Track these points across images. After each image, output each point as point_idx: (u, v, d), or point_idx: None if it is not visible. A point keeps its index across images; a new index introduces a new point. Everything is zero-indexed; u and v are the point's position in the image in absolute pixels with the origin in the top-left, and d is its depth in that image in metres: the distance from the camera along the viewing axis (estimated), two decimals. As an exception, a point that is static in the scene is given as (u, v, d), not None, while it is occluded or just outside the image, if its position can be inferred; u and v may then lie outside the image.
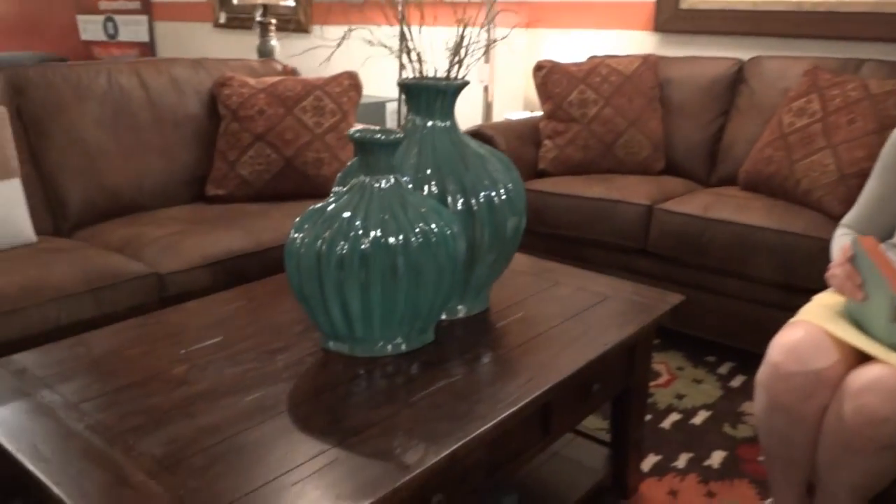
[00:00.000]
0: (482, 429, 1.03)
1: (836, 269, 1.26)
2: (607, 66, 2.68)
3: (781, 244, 2.03)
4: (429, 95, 1.32)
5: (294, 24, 4.32)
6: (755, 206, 2.19)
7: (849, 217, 1.59)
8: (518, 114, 3.26)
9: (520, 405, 1.10)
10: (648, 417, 1.90)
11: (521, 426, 1.21)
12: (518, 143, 2.67)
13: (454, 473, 1.07)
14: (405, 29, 1.38)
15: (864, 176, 1.99)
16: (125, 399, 1.10)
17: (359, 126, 1.85)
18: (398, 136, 1.19)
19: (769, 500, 1.43)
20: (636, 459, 1.62)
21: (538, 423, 1.25)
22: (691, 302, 2.22)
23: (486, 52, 3.31)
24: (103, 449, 0.97)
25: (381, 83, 3.72)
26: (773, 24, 2.74)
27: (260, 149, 2.19)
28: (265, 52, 3.28)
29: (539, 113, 2.83)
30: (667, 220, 2.23)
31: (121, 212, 2.09)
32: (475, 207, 1.35)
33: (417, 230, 1.19)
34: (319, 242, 1.19)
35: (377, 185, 1.20)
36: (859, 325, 1.23)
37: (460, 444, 0.99)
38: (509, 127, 2.78)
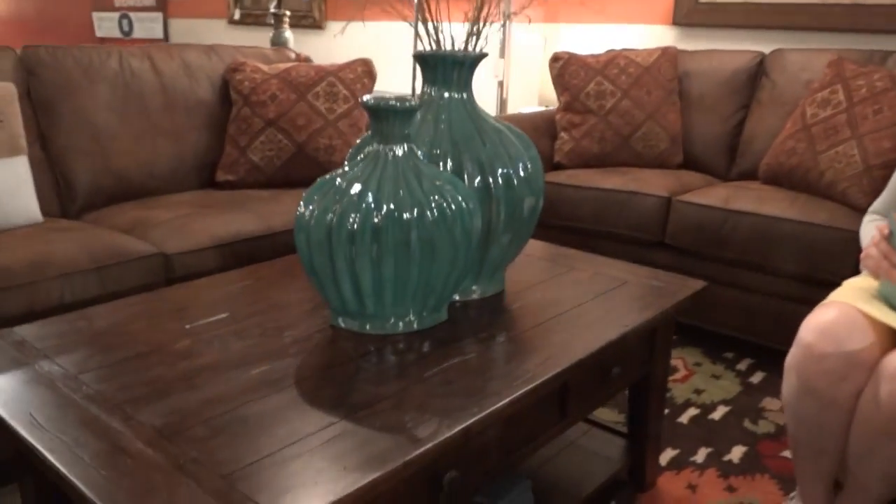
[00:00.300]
0: (498, 405, 0.98)
1: (871, 248, 1.21)
2: (625, 57, 2.64)
3: (804, 236, 1.97)
4: (445, 66, 1.28)
5: (309, 20, 4.31)
6: (777, 197, 2.13)
7: (877, 203, 1.53)
8: (533, 109, 3.21)
9: (537, 383, 1.05)
10: (666, 412, 1.84)
11: (538, 407, 1.16)
12: (533, 136, 2.62)
13: (468, 451, 1.02)
14: None
15: (890, 167, 1.94)
16: (126, 371, 1.06)
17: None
18: (414, 103, 1.15)
19: (793, 494, 1.37)
20: (654, 452, 1.56)
21: (555, 405, 1.20)
22: (710, 296, 2.16)
23: (502, 48, 3.27)
24: (101, 418, 0.92)
25: (393, 79, 3.69)
26: (796, 17, 2.69)
27: (271, 134, 2.16)
28: (279, 44, 3.25)
29: (554, 108, 2.79)
30: (686, 212, 2.18)
31: (129, 196, 2.06)
32: (492, 185, 1.30)
33: (433, 204, 1.15)
34: (330, 216, 1.15)
35: (391, 153, 1.16)
36: (895, 307, 1.18)
37: (475, 419, 0.94)
38: (524, 119, 2.74)
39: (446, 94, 1.29)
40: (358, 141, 1.30)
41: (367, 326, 1.20)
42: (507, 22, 3.24)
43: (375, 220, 1.13)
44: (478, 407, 0.97)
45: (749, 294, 2.12)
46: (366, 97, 1.16)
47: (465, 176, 1.29)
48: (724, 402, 1.93)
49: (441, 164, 1.28)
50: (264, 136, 2.16)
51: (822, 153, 2.15)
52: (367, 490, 0.80)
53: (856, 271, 1.44)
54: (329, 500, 0.77)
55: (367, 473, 0.82)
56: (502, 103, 3.36)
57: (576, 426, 1.62)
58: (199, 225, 1.76)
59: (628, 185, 2.33)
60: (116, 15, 5.39)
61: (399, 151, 1.17)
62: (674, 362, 2.15)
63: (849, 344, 1.10)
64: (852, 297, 1.19)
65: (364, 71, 2.30)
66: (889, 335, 1.13)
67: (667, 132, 2.58)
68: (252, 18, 4.69)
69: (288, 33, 3.20)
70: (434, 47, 1.36)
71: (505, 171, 1.31)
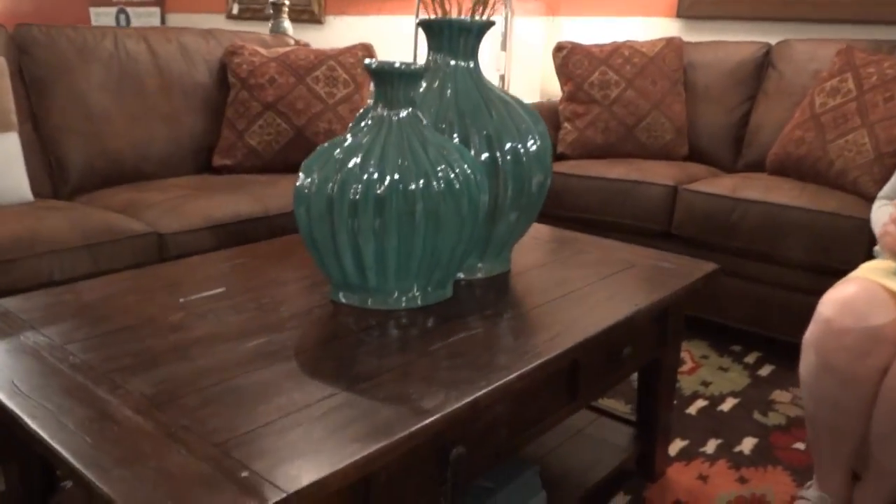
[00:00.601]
0: (507, 378, 0.93)
1: (890, 226, 1.16)
2: (630, 47, 2.60)
3: (814, 224, 1.93)
4: (451, 33, 1.23)
5: (307, 14, 4.26)
6: (785, 187, 2.09)
7: (886, 188, 1.50)
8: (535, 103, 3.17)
9: (547, 357, 0.99)
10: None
11: (547, 387, 1.11)
12: (536, 125, 2.57)
13: (476, 427, 0.97)
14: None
15: (902, 154, 1.90)
16: (115, 342, 1.00)
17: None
18: (420, 66, 1.10)
19: (810, 483, 1.32)
20: (664, 441, 1.51)
21: (564, 385, 1.15)
22: (716, 287, 2.12)
23: (504, 41, 3.23)
24: (87, 386, 0.87)
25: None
26: (802, 8, 2.65)
27: (270, 118, 2.11)
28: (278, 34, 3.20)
29: (557, 100, 2.75)
30: (693, 201, 2.14)
31: (123, 179, 2.01)
32: (499, 160, 1.26)
33: (440, 174, 1.10)
34: (331, 185, 1.10)
35: (395, 119, 1.11)
36: (916, 285, 1.13)
37: (483, 392, 0.89)
38: (527, 109, 2.69)
39: (452, 62, 1.25)
40: (356, 117, 1.25)
41: (369, 301, 1.15)
42: (509, 15, 3.20)
43: (378, 190, 1.08)
44: (486, 380, 0.92)
45: (757, 285, 2.07)
46: (369, 60, 1.11)
47: (472, 150, 1.24)
48: (733, 395, 1.88)
49: (447, 136, 1.23)
50: (262, 119, 2.11)
51: (832, 142, 2.10)
52: (370, 460, 0.75)
53: (868, 259, 1.40)
54: (331, 469, 0.72)
55: (371, 443, 0.77)
56: (504, 97, 3.32)
57: (583, 415, 1.57)
58: (194, 206, 1.71)
59: (633, 175, 2.28)
60: (114, 10, 5.34)
61: (404, 117, 1.12)
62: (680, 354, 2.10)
63: (871, 319, 1.05)
64: (873, 274, 1.14)
65: (365, 56, 2.26)
66: (913, 311, 1.08)
67: (672, 123, 2.54)
68: (250, 13, 4.65)
69: (287, 23, 3.14)
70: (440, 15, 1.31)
71: (513, 145, 1.26)
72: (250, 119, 2.11)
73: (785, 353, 2.13)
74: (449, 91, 1.25)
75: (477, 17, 1.30)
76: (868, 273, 1.17)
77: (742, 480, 1.51)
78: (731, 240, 2.07)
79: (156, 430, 0.78)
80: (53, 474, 1.19)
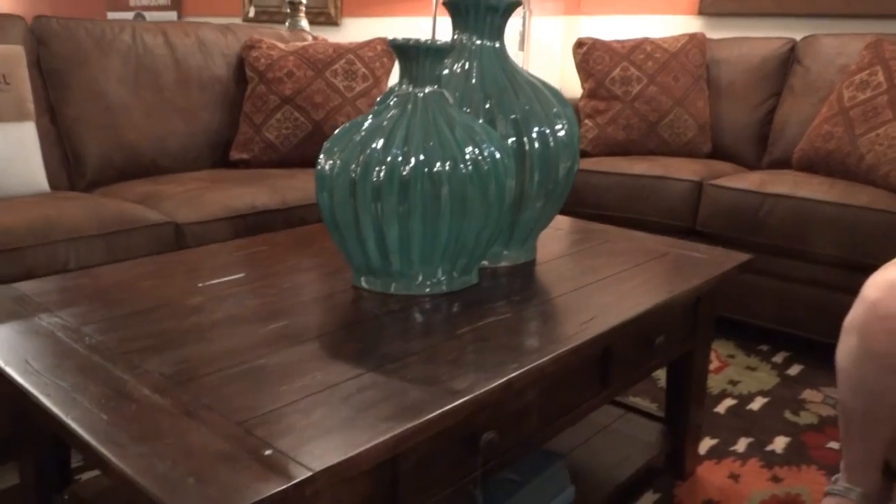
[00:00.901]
0: (540, 361, 0.89)
1: None
2: (652, 43, 2.56)
3: (845, 219, 1.87)
4: (478, 11, 1.19)
5: (324, 16, 4.26)
6: (814, 182, 2.04)
7: None
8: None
9: (580, 342, 0.95)
10: (701, 401, 1.74)
11: (579, 373, 1.06)
12: (556, 122, 2.54)
13: (507, 412, 0.92)
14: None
15: (938, 146, 1.84)
16: (132, 324, 0.97)
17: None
18: (446, 42, 1.07)
19: (836, 476, 1.26)
20: (694, 438, 1.46)
21: (596, 373, 1.10)
22: (743, 285, 2.07)
23: (522, 40, 3.20)
24: (103, 366, 0.84)
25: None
26: (828, 4, 2.60)
27: (287, 112, 2.08)
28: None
29: (577, 98, 2.71)
30: (718, 196, 2.09)
31: (139, 172, 1.99)
32: (527, 145, 1.22)
33: (467, 156, 1.06)
34: (353, 167, 1.06)
35: (421, 96, 1.07)
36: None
37: (516, 374, 0.85)
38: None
39: (478, 42, 1.21)
40: (379, 99, 1.22)
41: (392, 287, 1.11)
42: (527, 14, 3.17)
43: (403, 172, 1.04)
44: (518, 363, 0.88)
45: (785, 283, 2.02)
46: (393, 38, 1.07)
47: (499, 134, 1.21)
48: (762, 394, 1.83)
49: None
50: (280, 113, 2.08)
51: (862, 136, 2.05)
52: (400, 440, 0.71)
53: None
54: (360, 448, 0.68)
55: (401, 423, 0.73)
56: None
57: (610, 411, 1.52)
58: (211, 196, 1.68)
59: (657, 171, 2.24)
60: (131, 14, 5.37)
61: (430, 95, 1.08)
62: (705, 354, 2.05)
63: (921, 304, 1.00)
64: (921, 259, 1.09)
65: (384, 50, 2.23)
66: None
67: (695, 119, 2.49)
68: (267, 16, 4.65)
69: (304, 23, 3.13)
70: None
71: (541, 129, 1.22)
72: (268, 113, 2.09)
73: (814, 352, 2.07)
74: (474, 72, 1.22)
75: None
76: (913, 258, 1.12)
77: (775, 479, 1.45)
78: (758, 236, 2.02)
79: (175, 409, 0.74)
80: (68, 468, 1.16)
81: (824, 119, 2.18)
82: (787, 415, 1.72)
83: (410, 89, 1.08)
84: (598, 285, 1.18)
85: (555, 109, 1.25)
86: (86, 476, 1.40)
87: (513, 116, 1.21)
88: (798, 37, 2.55)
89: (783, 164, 2.41)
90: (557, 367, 0.92)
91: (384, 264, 1.10)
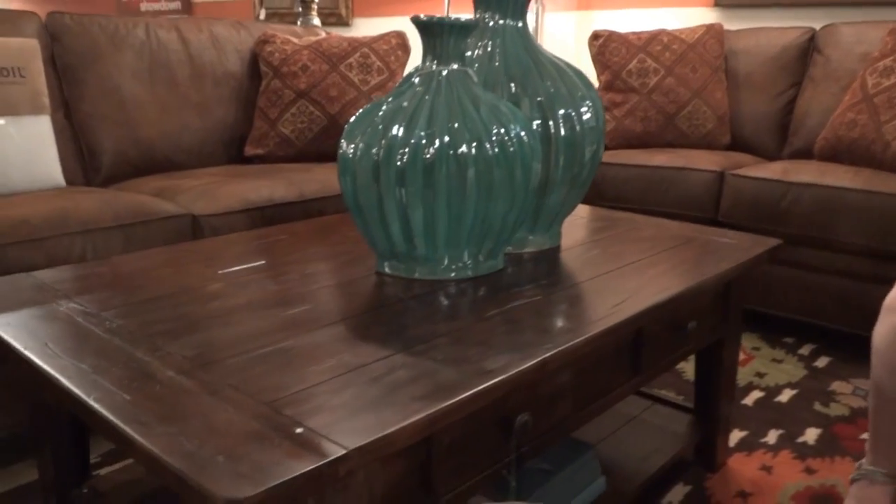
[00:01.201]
0: (574, 341, 0.85)
1: None
2: (668, 34, 2.52)
3: (873, 206, 1.83)
4: (500, -10, 1.17)
5: (335, 17, 4.25)
6: (838, 171, 2.00)
7: None
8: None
9: (614, 323, 0.92)
10: (728, 393, 1.70)
11: (611, 357, 1.03)
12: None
13: (540, 395, 0.89)
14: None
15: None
16: (152, 309, 0.95)
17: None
18: (471, 19, 1.04)
19: (861, 462, 1.21)
20: (725, 430, 1.42)
21: (628, 358, 1.07)
22: (768, 277, 2.03)
23: (535, 37, 3.17)
24: (124, 348, 0.81)
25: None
26: (847, -8, 2.56)
27: (303, 106, 2.06)
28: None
29: (594, 87, 2.68)
30: (741, 186, 2.05)
31: (154, 168, 1.97)
32: (552, 128, 1.19)
33: (493, 136, 1.03)
34: (375, 150, 1.04)
35: (445, 73, 1.05)
36: None
37: (550, 353, 0.82)
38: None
39: (501, 21, 1.18)
40: (402, 79, 1.19)
41: (416, 271, 1.09)
42: (540, 10, 3.15)
43: (427, 155, 1.01)
44: (551, 343, 0.85)
45: (811, 273, 1.97)
46: (416, 15, 1.05)
47: (521, 116, 1.18)
48: (790, 386, 1.78)
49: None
50: (295, 108, 2.06)
51: (887, 123, 2.01)
52: (434, 420, 0.68)
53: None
54: (394, 427, 0.65)
55: (435, 402, 0.70)
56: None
57: (637, 401, 1.48)
58: (228, 189, 1.66)
59: (677, 162, 2.20)
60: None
61: (455, 72, 1.05)
62: (730, 346, 2.01)
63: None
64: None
65: (398, 43, 2.21)
66: None
67: (714, 111, 2.46)
68: (277, 18, 4.64)
69: (316, 20, 3.12)
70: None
71: (567, 112, 1.19)
72: (283, 107, 2.07)
73: (841, 344, 2.03)
74: (497, 53, 1.19)
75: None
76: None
77: (809, 471, 1.41)
78: (782, 226, 1.98)
79: (200, 389, 0.71)
80: (87, 462, 1.14)
81: (847, 107, 2.14)
82: (817, 406, 1.68)
83: (434, 67, 1.05)
84: (626, 270, 1.15)
85: (580, 92, 1.22)
86: (105, 472, 1.38)
87: (539, 99, 1.18)
88: (816, 26, 2.51)
89: (804, 154, 2.37)
90: (592, 348, 0.89)
91: (408, 248, 1.07)
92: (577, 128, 1.21)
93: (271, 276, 1.08)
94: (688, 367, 1.87)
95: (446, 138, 1.02)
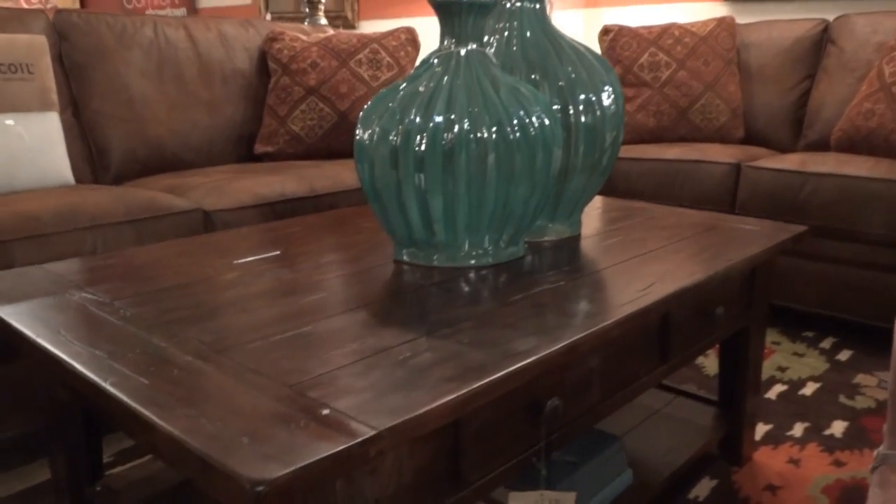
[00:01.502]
0: (604, 324, 0.82)
1: None
2: (680, 27, 2.50)
3: (894, 195, 1.79)
4: (517, -29, 1.14)
5: (341, 20, 4.24)
6: (857, 161, 1.96)
7: None
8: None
9: (644, 305, 0.89)
10: (751, 386, 1.67)
11: (639, 343, 1.00)
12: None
13: (570, 381, 0.86)
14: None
15: None
16: (167, 297, 0.92)
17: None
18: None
19: (878, 450, 1.17)
20: (750, 423, 1.38)
21: (656, 343, 1.04)
22: (787, 270, 1.99)
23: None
24: (140, 335, 0.79)
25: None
26: (860, -17, 2.53)
27: (312, 103, 2.04)
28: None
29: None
30: (758, 178, 2.02)
31: (163, 167, 1.95)
32: (572, 114, 1.16)
33: (515, 120, 1.00)
34: (393, 135, 1.01)
35: (464, 51, 1.02)
36: None
37: (581, 335, 0.79)
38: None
39: (518, 3, 1.16)
40: (419, 62, 1.17)
41: (435, 258, 1.06)
42: (549, 7, 3.13)
43: (446, 140, 0.99)
44: (581, 326, 0.82)
45: (831, 265, 1.94)
46: (435, -5, 1.02)
47: (539, 101, 1.15)
48: (813, 379, 1.75)
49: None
50: (305, 104, 2.04)
51: (906, 112, 1.98)
52: (465, 401, 0.65)
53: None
54: (424, 408, 0.62)
55: (465, 383, 0.67)
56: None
57: (660, 395, 1.45)
58: (239, 185, 1.64)
59: (691, 155, 2.17)
60: (147, 26, 5.39)
61: (474, 53, 1.03)
62: (749, 341, 1.97)
63: None
64: None
65: (408, 39, 2.19)
66: None
67: (727, 104, 2.43)
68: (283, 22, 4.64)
69: (323, 20, 3.10)
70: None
71: (587, 97, 1.17)
72: (292, 104, 2.05)
73: (863, 337, 1.99)
74: (515, 36, 1.16)
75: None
76: None
77: (838, 464, 1.37)
78: (801, 218, 1.95)
79: (220, 373, 0.69)
80: (100, 461, 1.11)
81: (864, 97, 2.11)
82: (843, 399, 1.64)
83: (453, 48, 1.03)
84: (649, 256, 1.12)
85: (600, 76, 1.20)
86: (117, 471, 1.35)
87: (560, 83, 1.15)
88: (829, 17, 2.48)
89: (820, 147, 2.33)
90: (621, 331, 0.85)
91: (427, 235, 1.04)
92: (598, 113, 1.18)
93: (287, 266, 1.06)
94: (708, 363, 1.84)
95: (466, 123, 0.99)
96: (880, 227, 1.83)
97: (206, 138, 2.02)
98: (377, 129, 1.03)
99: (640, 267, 1.06)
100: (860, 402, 1.63)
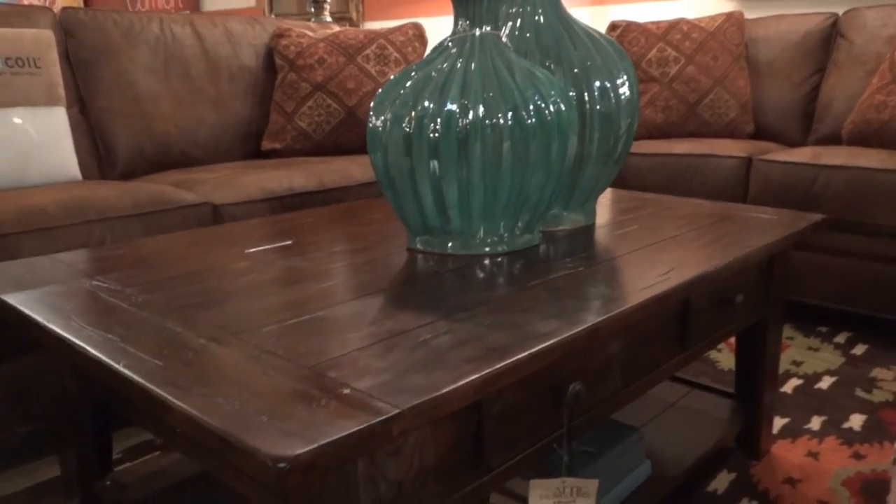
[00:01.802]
0: (625, 307, 0.81)
1: None
2: (688, 22, 2.48)
3: (910, 187, 1.77)
4: (531, -45, 1.13)
5: (346, 21, 4.23)
6: (869, 154, 1.94)
7: None
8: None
9: (665, 290, 0.87)
10: (766, 380, 1.64)
11: (659, 330, 0.98)
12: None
13: (591, 366, 0.84)
14: None
15: None
16: (178, 285, 0.90)
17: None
18: (503, -20, 1.00)
19: None
20: (769, 416, 1.36)
21: (676, 330, 1.02)
22: (800, 264, 1.97)
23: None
24: (152, 320, 0.77)
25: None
26: (870, -24, 2.52)
27: (320, 99, 2.03)
28: (319, 34, 3.15)
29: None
30: (769, 171, 2.00)
31: (170, 163, 1.94)
32: (587, 101, 1.14)
33: (530, 105, 0.98)
34: (407, 121, 1.00)
35: (479, 37, 1.00)
36: None
37: (603, 318, 0.77)
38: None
39: (532, -11, 1.14)
40: (435, 46, 1.15)
41: (450, 246, 1.04)
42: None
43: (461, 127, 0.97)
44: (603, 310, 0.80)
45: (845, 259, 1.92)
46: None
47: (553, 88, 1.13)
48: (829, 373, 1.72)
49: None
50: (312, 100, 2.03)
51: (919, 103, 1.96)
52: (488, 381, 0.63)
53: None
54: (447, 387, 0.60)
55: (487, 364, 0.65)
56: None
57: (676, 388, 1.43)
58: (248, 179, 1.63)
59: (701, 149, 2.15)
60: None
61: (488, 36, 1.01)
62: (763, 336, 1.95)
63: None
64: None
65: (415, 34, 2.17)
66: None
67: (736, 99, 2.41)
68: (288, 24, 4.64)
69: (328, 19, 3.10)
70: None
71: (602, 84, 1.15)
72: (299, 101, 2.03)
73: (879, 330, 1.97)
74: (528, 22, 1.15)
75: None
76: None
77: (858, 456, 1.35)
78: (813, 211, 1.93)
79: (236, 355, 0.67)
80: (109, 456, 1.09)
81: (876, 89, 2.09)
82: (860, 393, 1.62)
83: (468, 31, 1.01)
84: (667, 243, 1.10)
85: (615, 62, 1.18)
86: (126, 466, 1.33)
87: (572, 69, 1.14)
88: (838, 11, 2.47)
89: (831, 141, 2.31)
90: (642, 315, 0.84)
91: (442, 222, 1.03)
92: (613, 100, 1.16)
93: (299, 254, 1.04)
94: (721, 357, 1.82)
95: (481, 109, 0.97)
96: (894, 219, 1.80)
97: (212, 135, 2.01)
98: (390, 116, 1.02)
99: (657, 254, 1.04)
100: (877, 396, 1.60)
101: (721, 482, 1.28)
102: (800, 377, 1.70)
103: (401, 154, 1.00)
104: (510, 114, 0.97)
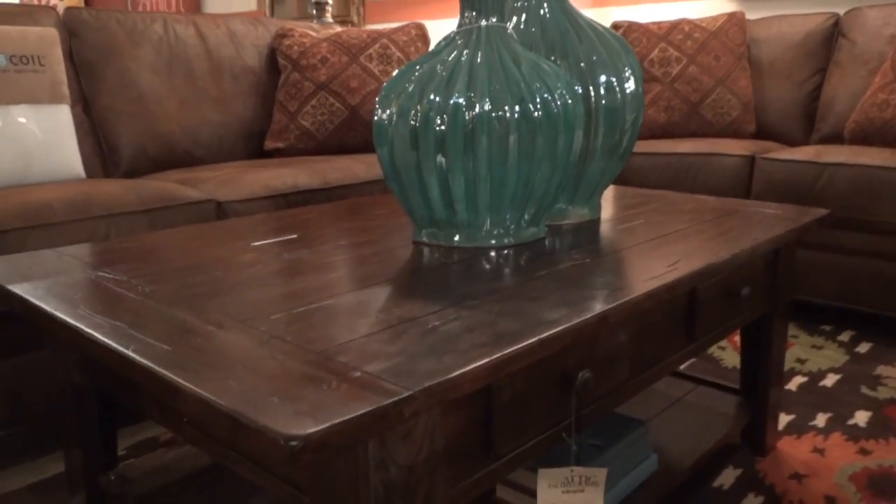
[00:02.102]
0: (633, 295, 0.80)
1: None
2: (689, 23, 2.49)
3: (914, 185, 1.77)
4: (536, -50, 1.13)
5: (347, 24, 4.24)
6: (872, 152, 1.94)
7: None
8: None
9: (671, 280, 0.87)
10: (771, 378, 1.64)
11: (666, 322, 0.98)
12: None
13: (600, 354, 0.84)
14: None
15: None
16: (185, 275, 0.90)
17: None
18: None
19: None
20: (774, 412, 1.36)
21: (683, 322, 1.02)
22: (803, 262, 1.97)
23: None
24: (160, 308, 0.77)
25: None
26: (871, -23, 2.52)
27: (323, 98, 2.03)
28: (321, 36, 3.15)
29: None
30: (772, 170, 2.00)
31: (174, 163, 1.94)
32: (592, 96, 1.14)
33: (537, 98, 0.98)
34: (413, 115, 1.00)
35: (485, 28, 1.00)
36: None
37: (612, 306, 0.77)
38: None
39: (537, -18, 1.14)
40: (440, 39, 1.15)
41: (456, 238, 1.04)
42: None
43: (467, 120, 0.97)
44: (611, 298, 0.80)
45: (849, 257, 1.92)
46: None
47: (558, 83, 1.13)
48: (833, 371, 1.72)
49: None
50: (315, 100, 2.03)
51: (922, 102, 1.96)
52: (499, 365, 0.63)
53: None
54: (458, 371, 0.60)
55: (497, 349, 0.65)
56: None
57: (682, 384, 1.43)
58: (251, 177, 1.63)
59: (704, 148, 2.16)
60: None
61: (494, 28, 1.01)
62: (766, 334, 1.95)
63: None
64: None
65: (418, 34, 2.18)
66: None
67: (738, 99, 2.41)
68: (289, 28, 4.65)
69: (330, 20, 3.10)
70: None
71: (608, 78, 1.15)
72: (302, 100, 2.04)
73: (883, 329, 1.96)
74: (534, 15, 1.15)
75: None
76: None
77: (864, 452, 1.35)
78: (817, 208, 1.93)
79: (245, 341, 0.67)
80: (114, 451, 1.09)
81: (879, 88, 2.09)
82: (864, 390, 1.62)
83: (473, 24, 1.01)
84: (673, 237, 1.10)
85: (620, 56, 1.18)
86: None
87: (577, 63, 1.14)
88: (840, 11, 2.47)
89: (833, 140, 2.32)
90: (650, 304, 0.83)
91: (448, 214, 1.03)
92: (619, 94, 1.16)
93: (305, 247, 1.04)
94: (725, 355, 1.81)
95: (487, 102, 0.97)
96: (898, 216, 1.80)
97: (216, 135, 2.01)
98: (396, 109, 1.02)
99: (663, 247, 1.04)
100: (882, 393, 1.60)
101: (727, 477, 1.28)
102: (804, 374, 1.70)
103: (407, 147, 1.00)
104: (517, 107, 0.97)
